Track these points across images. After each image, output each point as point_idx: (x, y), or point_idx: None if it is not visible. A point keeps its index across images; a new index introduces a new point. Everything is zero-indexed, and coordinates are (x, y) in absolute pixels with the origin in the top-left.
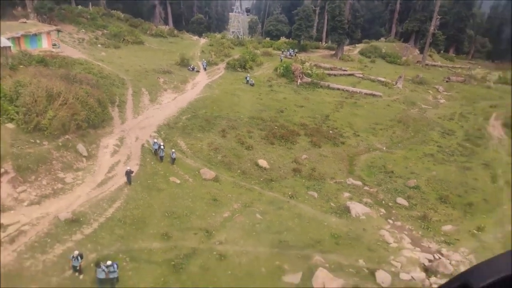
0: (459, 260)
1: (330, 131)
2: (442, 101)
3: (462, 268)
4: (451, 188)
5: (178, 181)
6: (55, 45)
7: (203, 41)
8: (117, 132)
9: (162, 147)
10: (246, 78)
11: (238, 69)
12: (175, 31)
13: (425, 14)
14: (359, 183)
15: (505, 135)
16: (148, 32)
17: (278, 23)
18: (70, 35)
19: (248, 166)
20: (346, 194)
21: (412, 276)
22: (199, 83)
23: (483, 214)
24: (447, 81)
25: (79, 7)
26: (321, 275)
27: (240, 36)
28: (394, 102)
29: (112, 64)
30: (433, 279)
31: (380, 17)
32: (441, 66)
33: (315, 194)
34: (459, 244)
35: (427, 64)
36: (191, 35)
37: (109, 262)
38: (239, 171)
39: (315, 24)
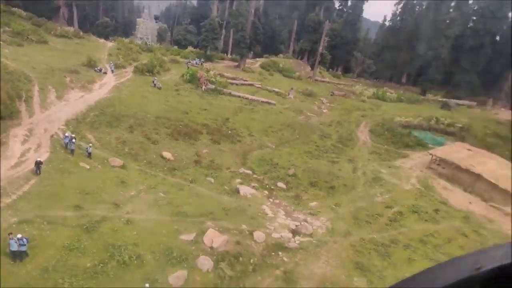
0: (318, 225)
1: (229, 131)
2: (325, 110)
3: (320, 231)
4: (320, 176)
5: (88, 167)
6: None
7: (110, 44)
8: (26, 124)
9: (73, 140)
10: (153, 81)
11: (146, 73)
12: (81, 33)
13: (316, 35)
14: (249, 172)
15: (369, 139)
16: (52, 33)
17: (187, 33)
18: None
19: (154, 157)
20: (238, 180)
21: (281, 235)
22: (106, 84)
23: (342, 195)
24: (331, 95)
25: None
26: (210, 233)
27: (148, 43)
28: (286, 110)
29: (17, 61)
30: (297, 237)
31: (280, 35)
32: (328, 82)
33: (212, 180)
34: (320, 215)
35: (316, 80)
36: (97, 38)
37: (19, 235)
38: (145, 161)
39: (222, 37)
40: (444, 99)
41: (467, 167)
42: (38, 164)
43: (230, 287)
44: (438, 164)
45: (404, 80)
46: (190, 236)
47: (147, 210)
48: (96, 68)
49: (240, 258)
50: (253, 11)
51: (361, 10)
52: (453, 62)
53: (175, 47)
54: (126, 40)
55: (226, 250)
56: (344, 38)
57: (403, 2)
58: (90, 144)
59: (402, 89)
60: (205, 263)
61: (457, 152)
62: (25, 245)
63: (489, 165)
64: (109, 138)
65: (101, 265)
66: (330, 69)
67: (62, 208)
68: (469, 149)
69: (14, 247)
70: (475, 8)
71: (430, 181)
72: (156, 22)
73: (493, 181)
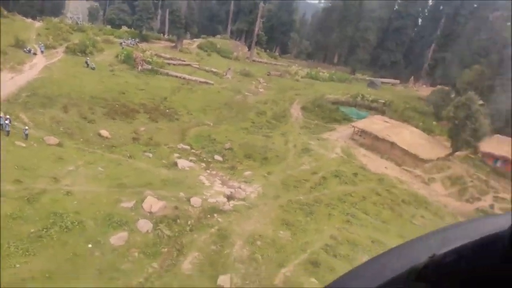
0: (251, 191)
1: (167, 110)
2: (261, 90)
3: (253, 196)
4: (255, 149)
5: (24, 145)
6: None
7: (38, 24)
8: None
9: (7, 122)
10: (86, 61)
11: (78, 53)
12: (5, 12)
13: (252, 16)
14: (187, 147)
15: (301, 115)
16: None
17: (121, 12)
18: None
19: (91, 136)
20: (176, 155)
21: (216, 200)
22: (37, 65)
23: (274, 165)
24: (268, 75)
25: None
26: (149, 200)
27: (79, 22)
28: (223, 89)
29: None
30: (231, 202)
31: (218, 15)
32: (265, 63)
33: (150, 155)
34: (254, 182)
35: (254, 60)
36: (23, 18)
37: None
38: (81, 139)
39: (158, 17)
40: (371, 78)
41: (383, 136)
42: None
43: (171, 254)
44: (360, 135)
45: (336, 60)
46: (129, 204)
47: (86, 183)
48: (25, 49)
49: (178, 221)
50: None
51: None
52: (379, 43)
53: (108, 26)
54: (56, 20)
55: (164, 214)
56: (280, 19)
57: None
58: (27, 127)
59: (334, 69)
60: (144, 225)
61: (376, 124)
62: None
63: (403, 134)
64: (43, 118)
65: (44, 230)
66: (268, 50)
67: (1, 183)
68: (386, 121)
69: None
70: None
71: (352, 150)
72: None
73: (405, 148)
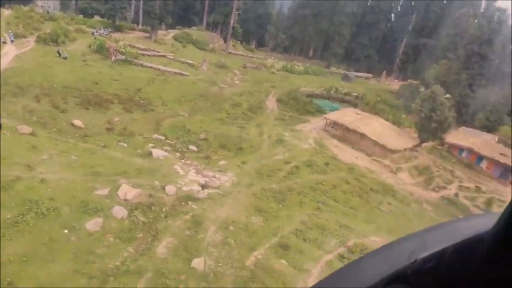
0: (225, 179)
1: (141, 101)
2: (237, 82)
3: (227, 184)
4: (230, 140)
5: None
6: None
7: (7, 12)
8: None
9: None
10: (58, 51)
11: (50, 43)
12: None
13: (227, 8)
14: (162, 137)
15: (276, 107)
16: None
17: (93, 1)
18: None
19: (64, 125)
20: (151, 145)
21: (191, 189)
22: (7, 54)
23: (248, 155)
24: (244, 67)
25: None
26: (124, 188)
27: (50, 11)
28: (199, 80)
29: None
30: (205, 190)
31: (193, 7)
32: (241, 55)
33: (125, 145)
34: (228, 171)
35: (230, 52)
36: None
37: None
38: (54, 129)
39: (132, 7)
40: (345, 72)
41: (354, 128)
42: None
43: (146, 239)
44: (332, 127)
45: (311, 54)
46: (104, 191)
47: (60, 171)
48: None
49: (153, 208)
50: None
51: None
52: (353, 38)
53: (81, 16)
54: (25, 8)
55: (139, 201)
56: (256, 12)
57: None
58: (2, 116)
59: (310, 62)
60: (119, 212)
61: (347, 116)
62: None
63: (372, 126)
64: (15, 107)
65: (20, 216)
66: (244, 43)
67: None
68: (358, 113)
69: None
70: None
71: (324, 141)
72: None
73: (374, 139)
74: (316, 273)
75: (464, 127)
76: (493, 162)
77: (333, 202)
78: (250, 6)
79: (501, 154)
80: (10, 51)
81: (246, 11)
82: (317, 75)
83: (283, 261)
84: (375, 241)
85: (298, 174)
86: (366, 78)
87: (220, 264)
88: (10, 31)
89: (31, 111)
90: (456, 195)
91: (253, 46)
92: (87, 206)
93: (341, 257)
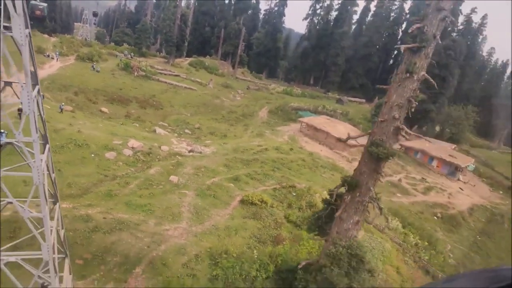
0: (207, 150)
1: (154, 103)
2: (238, 98)
3: (208, 152)
4: (219, 130)
5: (49, 107)
6: None
7: (53, 39)
8: None
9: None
10: (92, 66)
11: (87, 60)
12: None
13: (236, 41)
14: (166, 124)
15: (266, 116)
16: None
17: (125, 35)
18: None
19: (94, 110)
20: (156, 127)
21: (180, 150)
22: (54, 66)
23: (231, 139)
24: (247, 89)
25: None
26: (132, 141)
27: (87, 39)
28: (204, 94)
29: None
30: (191, 153)
31: (210, 41)
32: (249, 80)
33: (137, 125)
34: (211, 146)
35: (237, 77)
36: (41, 33)
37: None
38: (87, 112)
39: (158, 41)
40: (339, 96)
41: (321, 127)
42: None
43: (143, 167)
44: (305, 127)
45: (312, 81)
46: (119, 142)
47: (91, 129)
48: (44, 54)
49: (151, 154)
50: (179, 16)
51: (281, 23)
52: (349, 68)
53: (112, 43)
54: (68, 36)
55: (142, 150)
56: (266, 46)
57: (309, 18)
58: (63, 103)
59: (310, 89)
60: (127, 152)
61: (318, 119)
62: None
63: (337, 127)
64: (61, 97)
65: (65, 144)
66: (254, 72)
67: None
68: (328, 119)
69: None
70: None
71: (297, 137)
72: (95, 19)
73: (336, 136)
74: (251, 191)
75: (426, 137)
76: (442, 161)
77: (286, 169)
78: (261, 41)
79: (450, 155)
80: (56, 64)
81: (257, 45)
82: (313, 98)
83: (231, 184)
84: (302, 184)
85: (265, 153)
86: (360, 102)
87: (189, 182)
88: (56, 51)
89: (71, 100)
90: (400, 180)
91: (263, 75)
92: (107, 146)
93: (273, 189)
